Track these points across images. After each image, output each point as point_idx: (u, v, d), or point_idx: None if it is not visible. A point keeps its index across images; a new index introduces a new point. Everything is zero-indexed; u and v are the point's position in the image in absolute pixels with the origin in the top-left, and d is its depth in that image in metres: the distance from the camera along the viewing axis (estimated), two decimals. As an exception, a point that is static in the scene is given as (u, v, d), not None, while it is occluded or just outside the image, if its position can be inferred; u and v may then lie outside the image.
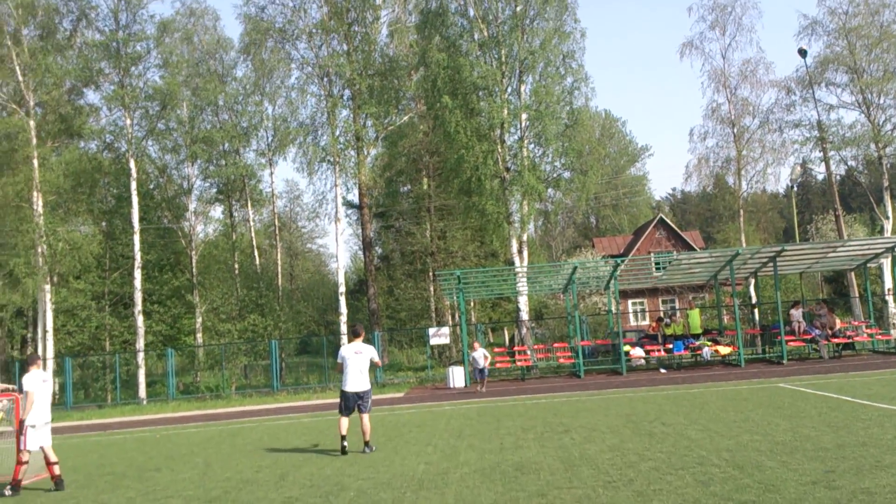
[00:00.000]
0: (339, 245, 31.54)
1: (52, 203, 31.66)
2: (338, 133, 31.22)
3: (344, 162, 31.72)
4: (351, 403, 12.48)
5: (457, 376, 25.45)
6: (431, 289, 40.63)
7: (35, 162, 30.87)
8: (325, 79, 31.72)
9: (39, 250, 30.54)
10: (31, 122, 31.14)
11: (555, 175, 30.51)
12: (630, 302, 52.55)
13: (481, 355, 23.28)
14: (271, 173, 40.22)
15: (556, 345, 29.15)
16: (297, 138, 31.83)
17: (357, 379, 12.50)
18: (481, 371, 23.24)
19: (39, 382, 11.22)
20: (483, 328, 36.16)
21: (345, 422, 12.49)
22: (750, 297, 34.58)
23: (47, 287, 31.14)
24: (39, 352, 31.95)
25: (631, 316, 51.58)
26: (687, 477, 8.58)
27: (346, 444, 12.33)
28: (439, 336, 29.78)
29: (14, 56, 30.68)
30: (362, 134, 32.93)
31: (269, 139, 38.50)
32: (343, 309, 30.34)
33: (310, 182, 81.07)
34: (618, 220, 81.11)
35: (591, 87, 30.39)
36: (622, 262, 27.63)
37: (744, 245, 35.04)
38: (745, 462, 9.13)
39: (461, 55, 29.00)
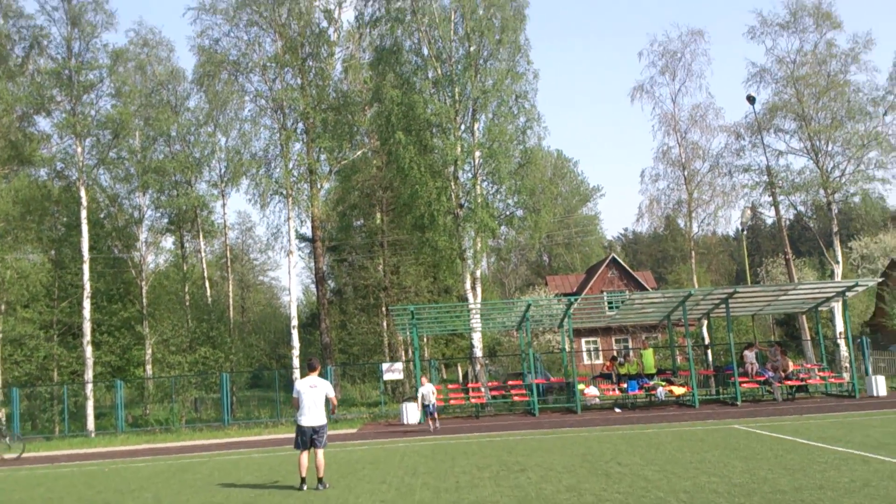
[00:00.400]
0: (292, 278, 31.22)
1: (1, 230, 30.78)
2: (291, 166, 31.09)
3: (297, 195, 31.56)
4: (307, 438, 12.34)
5: (410, 412, 25.24)
6: (385, 324, 40.43)
7: (-17, 189, 30.03)
8: (279, 112, 31.69)
9: (-14, 278, 29.63)
10: (-22, 148, 30.34)
11: (508, 213, 30.76)
12: (584, 340, 52.96)
13: (430, 391, 22.54)
14: (223, 205, 39.90)
15: (510, 382, 29.15)
16: (249, 170, 31.57)
17: (313, 413, 12.37)
18: (427, 407, 22.41)
19: None
20: (437, 364, 36.02)
21: (304, 458, 12.34)
22: (703, 338, 35.05)
23: (-7, 315, 30.19)
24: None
25: (584, 354, 51.95)
26: (646, 518, 8.63)
27: (305, 483, 12.20)
28: (392, 371, 29.57)
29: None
30: (315, 167, 32.82)
31: (222, 170, 38.24)
32: (296, 342, 29.99)
33: (262, 214, 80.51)
34: (570, 259, 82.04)
35: (543, 127, 30.89)
36: (575, 300, 27.90)
37: (696, 286, 35.64)
38: None
39: (415, 92, 29.16)
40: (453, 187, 29.23)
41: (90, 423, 29.79)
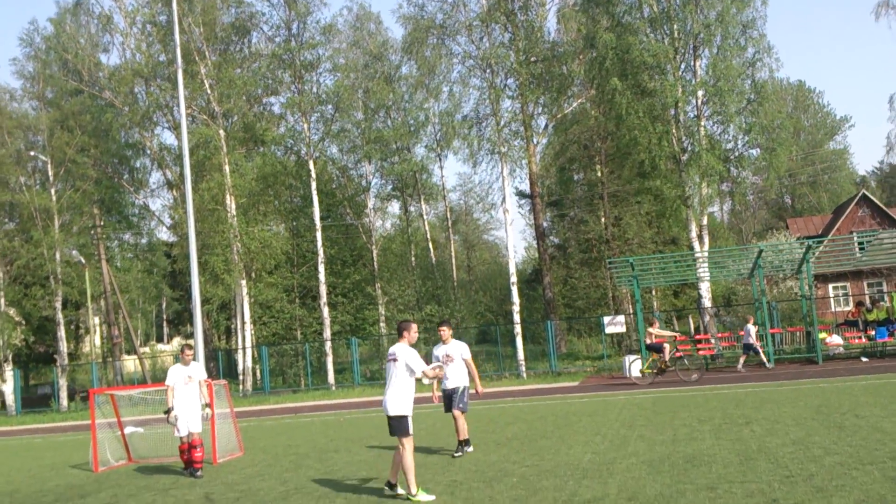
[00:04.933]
0: (509, 235, 31.49)
1: (244, 205, 34.13)
2: (502, 123, 31.10)
3: (511, 152, 31.58)
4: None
5: (634, 366, 24.66)
6: (608, 276, 39.74)
7: (226, 168, 33.40)
8: (487, 70, 31.73)
9: (235, 249, 33.02)
10: (221, 132, 33.61)
11: (737, 153, 28.81)
12: (831, 286, 48.71)
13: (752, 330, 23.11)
14: (441, 167, 41.04)
15: (741, 332, 27.50)
16: (460, 131, 32.09)
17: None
18: (749, 346, 22.95)
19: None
20: (661, 316, 34.89)
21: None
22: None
23: (243, 282, 33.61)
24: (239, 341, 34.55)
25: (832, 301, 47.80)
26: (875, 472, 7.76)
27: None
28: (614, 325, 29.06)
29: (202, 71, 33.26)
30: (530, 123, 32.61)
31: (437, 134, 39.29)
32: (515, 298, 30.31)
33: (474, 173, 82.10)
34: (816, 199, 75.35)
35: (775, 58, 28.26)
36: (815, 243, 25.54)
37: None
38: (950, 459, 8.12)
39: (630, 34, 27.98)
40: (674, 131, 27.92)
41: (330, 378, 32.42)
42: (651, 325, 22.25)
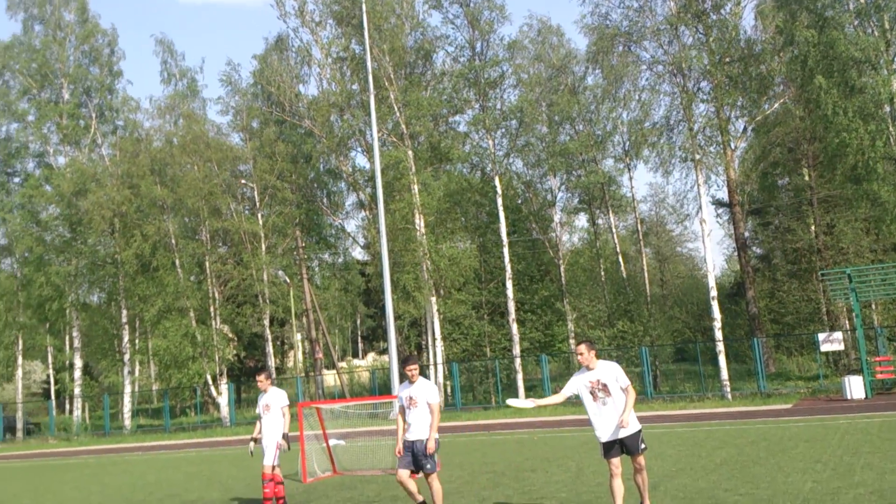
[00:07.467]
0: (707, 247, 29.82)
1: (432, 223, 34.87)
2: (696, 128, 29.63)
3: (706, 159, 30.00)
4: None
5: (854, 387, 22.44)
6: (821, 289, 36.60)
7: (415, 188, 34.31)
8: (678, 75, 30.36)
9: (424, 267, 33.73)
10: (410, 153, 34.65)
11: (974, 152, 25.79)
12: None
13: None
14: (630, 178, 39.79)
15: None
16: (650, 139, 30.92)
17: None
18: None
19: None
20: (884, 332, 31.65)
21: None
22: None
23: (433, 299, 34.23)
24: (430, 358, 35.13)
25: None
26: None
27: None
28: (831, 342, 26.64)
29: (391, 96, 34.43)
30: (726, 127, 30.85)
31: (625, 144, 38.19)
32: (716, 314, 28.57)
33: (666, 182, 79.27)
34: None
35: None
36: None
37: None
38: None
39: (833, 28, 25.96)
40: (891, 129, 25.46)
41: (521, 395, 32.06)
42: None
